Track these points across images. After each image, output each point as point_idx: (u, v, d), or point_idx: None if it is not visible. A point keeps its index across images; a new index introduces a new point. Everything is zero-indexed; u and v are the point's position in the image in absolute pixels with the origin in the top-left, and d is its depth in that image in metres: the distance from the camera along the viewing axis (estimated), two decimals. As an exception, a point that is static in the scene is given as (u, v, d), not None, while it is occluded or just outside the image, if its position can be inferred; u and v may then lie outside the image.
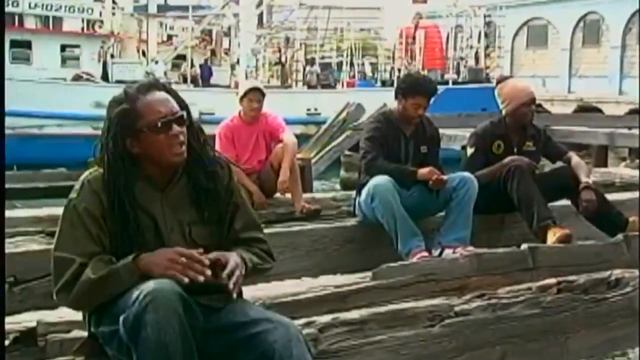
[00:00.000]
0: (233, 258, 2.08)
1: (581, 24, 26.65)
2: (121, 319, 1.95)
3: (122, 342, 1.97)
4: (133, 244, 2.08)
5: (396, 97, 4.17)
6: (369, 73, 24.35)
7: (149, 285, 1.91)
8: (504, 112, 4.37)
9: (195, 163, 2.17)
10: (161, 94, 2.14)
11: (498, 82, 4.59)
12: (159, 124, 2.09)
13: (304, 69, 23.38)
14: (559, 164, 4.48)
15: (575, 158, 4.37)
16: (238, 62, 21.41)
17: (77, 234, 2.05)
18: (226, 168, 2.24)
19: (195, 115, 2.33)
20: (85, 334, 2.21)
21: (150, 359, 1.87)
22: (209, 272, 1.97)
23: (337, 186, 11.95)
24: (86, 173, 2.15)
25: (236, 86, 16.95)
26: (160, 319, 1.86)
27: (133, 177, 2.10)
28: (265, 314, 2.10)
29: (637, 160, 10.44)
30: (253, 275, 2.24)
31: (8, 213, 3.86)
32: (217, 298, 2.12)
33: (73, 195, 2.12)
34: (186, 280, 1.94)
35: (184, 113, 2.14)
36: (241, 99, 4.95)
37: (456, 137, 9.55)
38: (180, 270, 1.96)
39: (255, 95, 4.91)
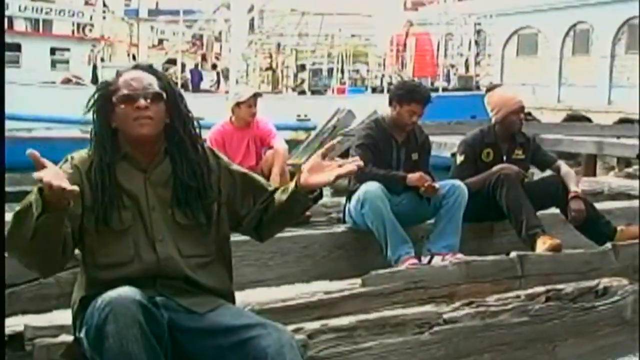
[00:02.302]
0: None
1: (571, 33, 26.82)
2: (83, 330, 1.97)
3: None
4: (108, 220, 2.11)
5: (390, 104, 4.17)
6: (365, 76, 24.34)
7: (109, 295, 1.92)
8: (493, 120, 4.39)
9: (176, 146, 2.21)
10: (140, 73, 2.22)
11: (487, 90, 4.61)
12: (124, 96, 2.15)
13: (295, 75, 23.39)
14: (548, 172, 4.50)
15: (564, 167, 4.39)
16: (222, 70, 21.41)
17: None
18: (208, 151, 2.28)
19: None
20: (71, 338, 2.20)
21: None
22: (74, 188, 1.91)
23: (325, 192, 11.94)
24: (71, 153, 2.22)
25: (226, 92, 16.93)
26: (121, 329, 1.86)
27: (114, 152, 2.16)
28: (258, 319, 2.09)
29: (638, 169, 10.47)
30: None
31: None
32: (201, 303, 2.12)
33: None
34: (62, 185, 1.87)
35: (160, 92, 2.18)
36: (238, 104, 4.95)
37: (446, 145, 9.58)
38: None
39: (254, 100, 4.93)
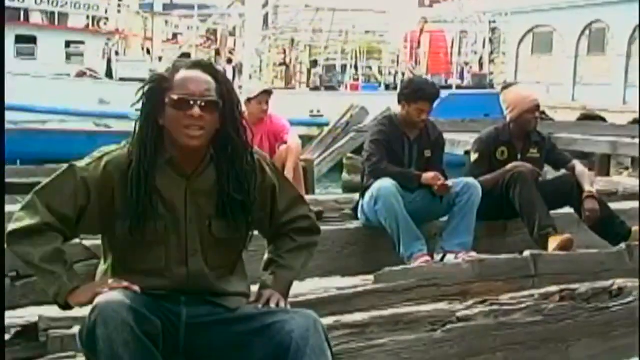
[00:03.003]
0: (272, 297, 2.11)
1: (587, 32, 26.58)
2: (77, 332, 1.96)
3: None
4: (141, 231, 2.01)
5: (400, 102, 4.17)
6: (377, 75, 24.29)
7: (98, 300, 1.89)
8: (508, 118, 4.37)
9: (225, 155, 2.07)
10: (200, 74, 2.04)
11: (503, 88, 4.59)
12: (179, 100, 2.00)
13: (309, 71, 23.37)
14: (563, 171, 4.48)
15: (579, 166, 4.36)
16: (230, 62, 21.44)
17: (62, 191, 2.02)
18: (257, 164, 2.15)
19: None
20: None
21: None
22: (136, 288, 1.95)
23: (333, 189, 11.93)
24: (109, 149, 2.08)
25: (239, 87, 16.93)
26: (111, 333, 1.83)
27: (156, 154, 2.02)
28: (281, 308, 2.08)
29: (638, 170, 10.40)
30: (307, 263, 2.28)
31: (9, 208, 3.85)
32: (230, 299, 2.11)
33: (80, 164, 2.06)
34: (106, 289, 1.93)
35: (217, 100, 2.03)
36: (249, 100, 4.95)
37: (459, 142, 9.54)
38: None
39: (264, 97, 4.93)
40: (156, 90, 2.04)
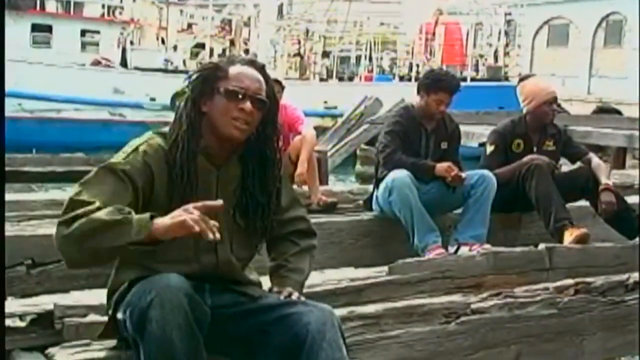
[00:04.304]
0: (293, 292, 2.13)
1: (603, 24, 26.33)
2: (127, 312, 1.93)
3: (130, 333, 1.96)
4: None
5: (418, 93, 4.14)
6: (386, 67, 24.22)
7: (156, 279, 1.89)
8: (525, 110, 4.34)
9: (257, 155, 2.12)
10: (254, 72, 2.11)
11: (520, 80, 4.55)
12: (233, 91, 2.05)
13: (323, 62, 23.37)
14: (578, 164, 4.45)
15: (595, 159, 4.33)
16: (247, 53, 21.42)
17: (105, 187, 1.95)
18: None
19: None
20: (102, 318, 2.22)
21: (155, 353, 1.86)
22: (218, 236, 1.82)
23: (350, 179, 11.91)
24: (140, 140, 2.06)
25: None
26: (166, 315, 1.83)
27: (199, 140, 2.04)
28: (301, 300, 2.10)
29: (638, 163, 10.29)
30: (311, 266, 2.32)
31: (25, 196, 3.87)
32: (252, 288, 2.14)
33: (120, 155, 2.02)
34: (196, 228, 1.79)
35: (266, 100, 2.10)
36: None
37: (474, 135, 9.50)
38: (193, 220, 1.81)
39: (275, 87, 4.90)
40: (208, 78, 2.08)
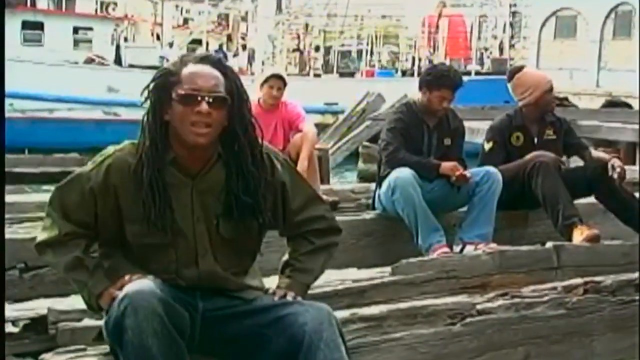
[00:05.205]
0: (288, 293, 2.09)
1: (612, 15, 26.09)
2: (103, 322, 1.93)
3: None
4: (152, 232, 1.98)
5: (420, 89, 4.09)
6: (384, 63, 24.15)
7: (128, 288, 1.86)
8: (525, 102, 4.29)
9: (233, 154, 2.03)
10: (208, 69, 2.00)
11: (513, 73, 4.46)
12: (186, 96, 1.96)
13: (323, 57, 23.29)
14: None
15: (594, 152, 4.36)
16: (244, 48, 21.36)
17: (72, 198, 2.04)
18: (267, 160, 2.10)
19: None
20: (97, 322, 2.17)
21: None
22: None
23: (349, 178, 11.87)
24: (110, 151, 2.06)
25: (252, 73, 16.87)
26: (140, 322, 1.81)
27: (165, 152, 1.99)
28: (297, 300, 2.06)
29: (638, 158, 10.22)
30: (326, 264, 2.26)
31: (18, 197, 3.82)
32: (246, 291, 2.09)
33: (85, 169, 2.06)
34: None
35: (226, 96, 1.99)
36: (261, 85, 4.88)
37: (479, 131, 9.39)
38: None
39: (276, 82, 4.83)
40: (162, 85, 2.01)
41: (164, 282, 1.95)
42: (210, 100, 1.96)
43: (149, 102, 2.02)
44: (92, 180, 2.01)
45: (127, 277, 1.95)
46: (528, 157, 4.10)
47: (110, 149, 2.06)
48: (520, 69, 4.55)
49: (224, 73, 2.03)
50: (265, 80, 4.85)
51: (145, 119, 2.01)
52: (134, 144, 2.05)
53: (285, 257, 2.25)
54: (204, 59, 2.03)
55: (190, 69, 2.00)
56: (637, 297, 2.93)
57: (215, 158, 2.04)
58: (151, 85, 2.02)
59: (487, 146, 4.26)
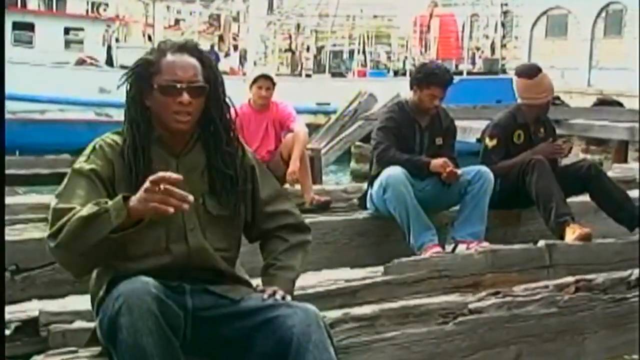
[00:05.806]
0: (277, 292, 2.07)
1: (603, 14, 26.15)
2: (97, 321, 1.92)
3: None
4: None
5: (411, 88, 4.11)
6: (384, 61, 24.14)
7: (123, 286, 1.85)
8: (537, 102, 4.27)
9: (210, 134, 2.10)
10: (187, 59, 2.06)
11: (535, 71, 4.42)
12: (168, 87, 2.02)
13: (315, 57, 23.25)
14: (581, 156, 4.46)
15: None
16: (236, 49, 21.31)
17: (79, 191, 1.99)
18: (239, 145, 2.17)
19: None
20: (89, 324, 2.17)
21: None
22: (191, 198, 1.81)
23: (341, 178, 11.86)
24: (98, 139, 2.09)
25: (244, 73, 16.85)
26: (135, 322, 1.80)
27: (148, 133, 2.04)
28: (285, 301, 2.04)
29: (638, 156, 10.24)
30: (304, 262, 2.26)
31: (9, 200, 3.79)
32: (233, 290, 2.08)
33: (82, 159, 2.06)
34: (171, 210, 1.78)
35: (204, 85, 2.05)
36: (250, 86, 4.87)
37: (471, 130, 9.41)
38: (159, 201, 1.79)
39: (264, 82, 4.82)
40: (142, 75, 2.06)
41: (148, 270, 1.94)
42: (191, 90, 2.02)
43: (127, 89, 2.07)
44: (93, 164, 2.02)
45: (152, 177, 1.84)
46: (524, 155, 4.12)
47: (97, 139, 2.10)
48: (539, 68, 4.53)
49: (201, 60, 2.08)
50: (254, 81, 4.84)
51: (126, 104, 2.08)
52: (117, 132, 2.10)
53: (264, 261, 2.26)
54: (181, 48, 2.08)
55: (169, 58, 2.05)
56: (629, 295, 2.94)
57: (195, 137, 2.11)
58: (131, 75, 2.07)
59: (491, 143, 4.26)
